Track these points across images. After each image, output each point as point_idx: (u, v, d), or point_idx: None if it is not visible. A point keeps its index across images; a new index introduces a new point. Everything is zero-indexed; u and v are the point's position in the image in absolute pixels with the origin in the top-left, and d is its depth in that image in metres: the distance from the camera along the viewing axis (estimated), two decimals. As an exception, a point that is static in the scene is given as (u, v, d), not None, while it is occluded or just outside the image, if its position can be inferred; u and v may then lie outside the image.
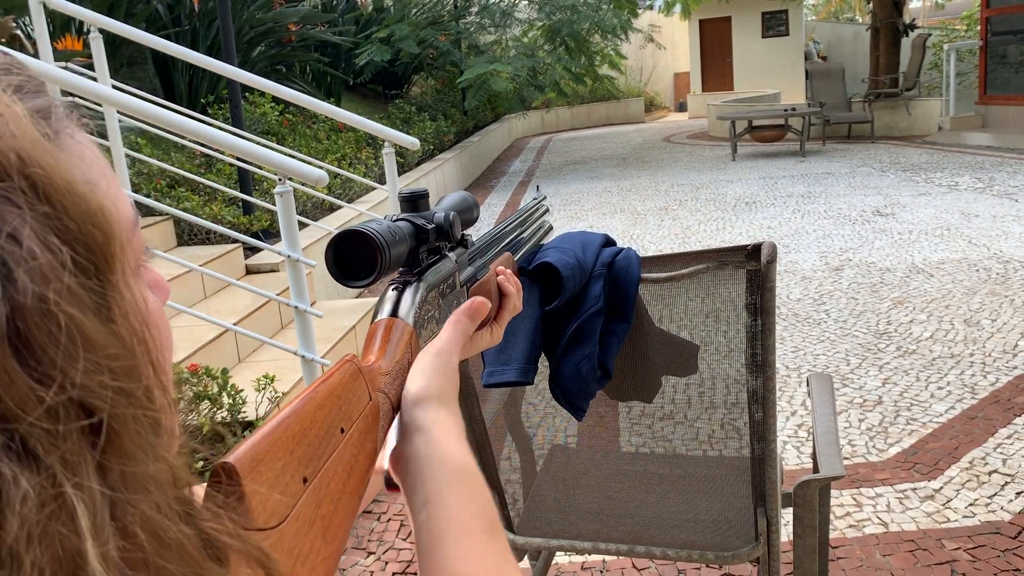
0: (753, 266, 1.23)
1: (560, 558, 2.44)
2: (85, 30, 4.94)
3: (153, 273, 0.43)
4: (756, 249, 1.22)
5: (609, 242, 1.31)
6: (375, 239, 0.61)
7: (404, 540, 2.59)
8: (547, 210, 1.25)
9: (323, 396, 0.50)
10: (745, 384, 1.40)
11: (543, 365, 1.34)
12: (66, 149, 0.34)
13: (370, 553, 2.53)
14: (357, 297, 5.41)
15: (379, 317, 0.65)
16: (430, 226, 0.70)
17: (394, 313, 0.65)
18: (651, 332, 1.47)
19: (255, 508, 0.41)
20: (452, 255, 0.76)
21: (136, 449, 0.31)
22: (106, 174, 0.36)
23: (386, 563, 2.48)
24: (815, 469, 1.65)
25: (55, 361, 0.28)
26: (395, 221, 0.68)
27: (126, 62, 6.98)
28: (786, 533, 2.30)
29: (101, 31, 4.13)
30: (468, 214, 0.82)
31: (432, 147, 10.22)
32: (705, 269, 1.26)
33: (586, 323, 1.20)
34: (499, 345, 1.21)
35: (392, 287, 0.68)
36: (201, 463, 2.33)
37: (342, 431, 0.51)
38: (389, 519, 2.73)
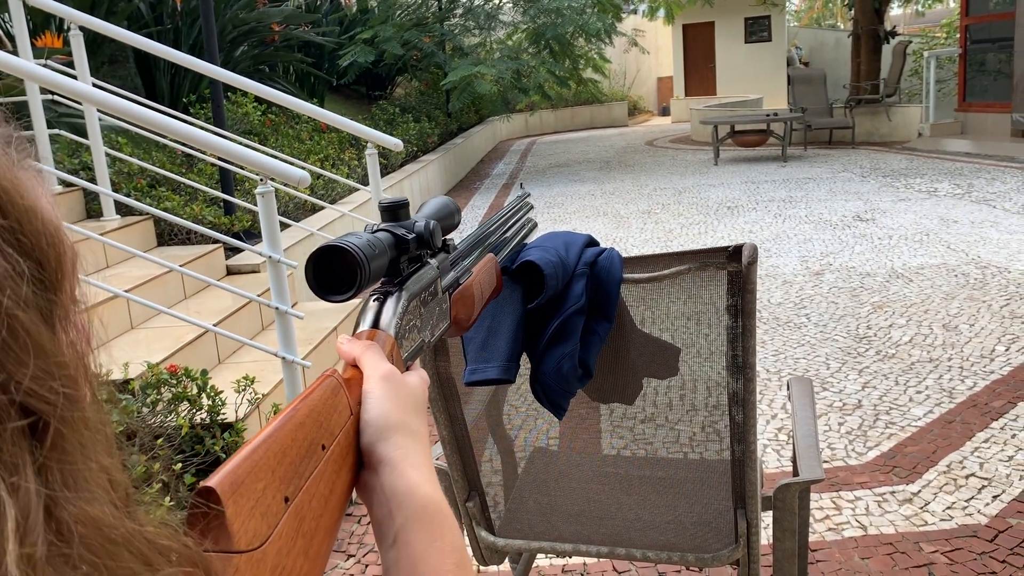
0: (734, 267, 1.24)
1: (541, 561, 2.43)
2: (66, 27, 4.89)
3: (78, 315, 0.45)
4: (737, 251, 1.23)
5: (592, 242, 1.31)
6: (355, 254, 0.61)
7: (384, 542, 2.58)
8: (531, 207, 1.26)
9: (304, 414, 0.50)
10: (726, 386, 1.41)
11: (525, 367, 1.33)
12: (26, 174, 0.35)
13: (350, 556, 2.52)
14: (339, 298, 5.39)
15: (360, 328, 0.65)
16: (410, 236, 0.69)
17: (375, 324, 0.65)
18: (633, 334, 1.47)
19: (236, 531, 0.41)
20: (434, 262, 0.75)
21: (78, 452, 0.32)
22: (53, 205, 0.37)
23: (366, 566, 2.46)
24: (795, 472, 1.66)
25: (2, 363, 0.30)
26: (375, 232, 0.68)
27: (107, 60, 6.93)
28: (766, 536, 2.31)
29: (82, 29, 4.09)
30: (449, 220, 0.81)
31: (416, 148, 10.20)
32: (687, 270, 1.26)
33: (568, 321, 1.20)
34: (481, 343, 1.21)
35: (373, 298, 0.67)
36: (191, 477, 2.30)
37: (323, 448, 0.51)
38: (369, 522, 2.71)
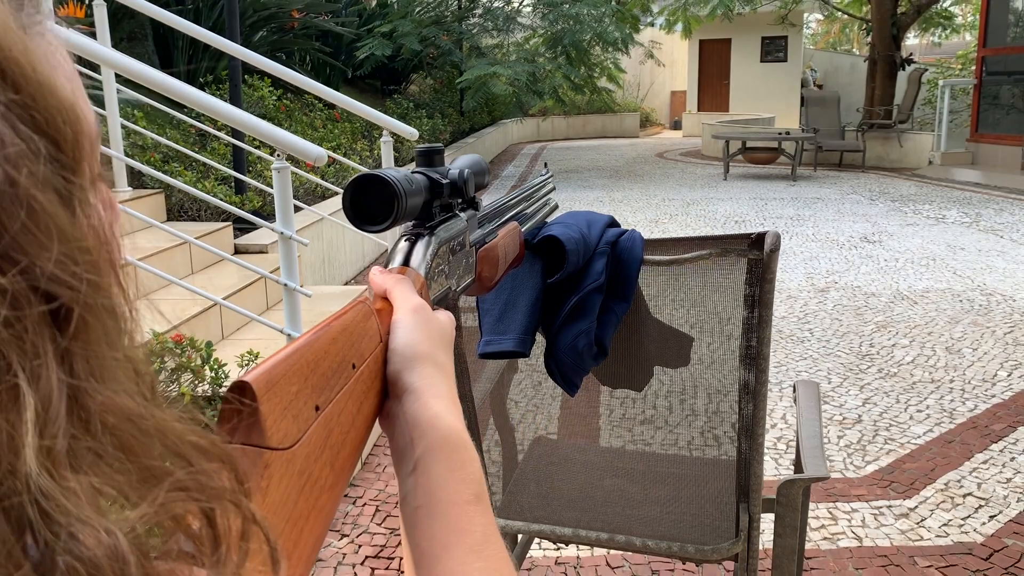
0: (755, 255, 1.24)
1: (534, 552, 2.43)
2: (88, -2, 4.90)
3: (106, 193, 0.43)
4: (760, 238, 1.23)
5: (614, 223, 1.31)
6: (394, 185, 0.61)
7: (379, 525, 2.58)
8: (553, 188, 1.26)
9: (337, 331, 0.51)
10: (737, 377, 1.40)
11: (535, 352, 1.33)
12: (38, 42, 0.33)
13: (344, 535, 2.52)
14: (345, 284, 5.39)
15: (391, 265, 0.65)
16: (444, 181, 0.70)
17: (406, 263, 0.65)
18: (647, 321, 1.47)
19: (269, 427, 0.41)
20: (463, 215, 0.76)
21: (103, 340, 0.30)
22: (73, 79, 0.35)
23: (359, 546, 2.46)
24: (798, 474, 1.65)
25: (23, 247, 0.28)
26: (411, 173, 0.68)
27: (126, 37, 6.94)
28: (761, 541, 2.31)
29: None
30: (481, 177, 0.82)
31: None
32: (708, 255, 1.26)
33: (586, 298, 1.20)
34: (498, 315, 1.21)
35: (404, 238, 0.68)
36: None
37: (353, 367, 0.51)
38: (364, 503, 2.71)
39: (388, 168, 0.65)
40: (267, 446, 0.41)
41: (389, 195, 0.62)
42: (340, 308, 0.54)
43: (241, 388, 0.41)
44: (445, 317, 0.64)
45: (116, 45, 6.09)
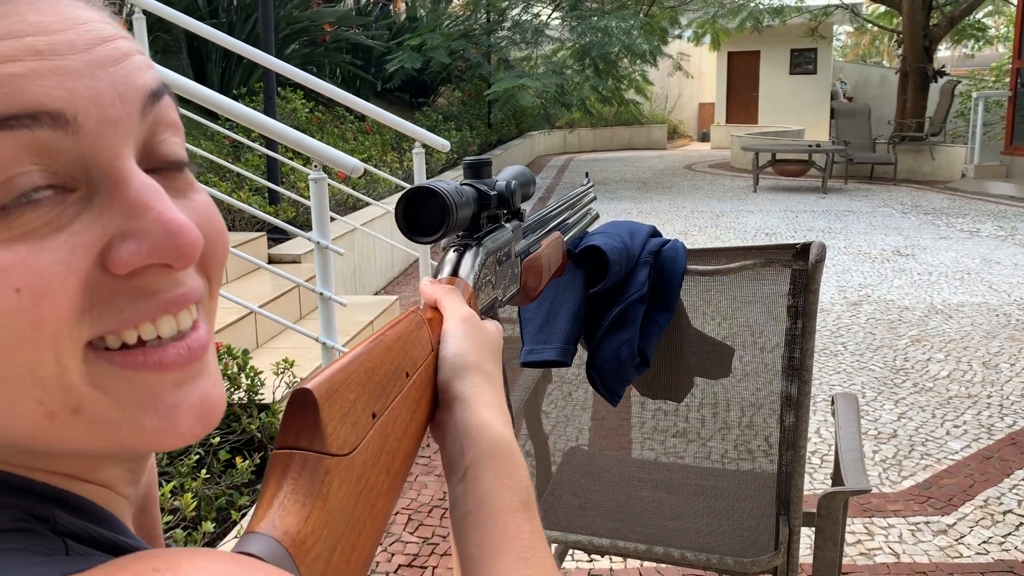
0: (800, 266, 1.23)
1: (567, 563, 2.42)
2: (128, 11, 4.99)
3: None
4: (805, 248, 1.22)
5: (656, 233, 1.31)
6: (445, 197, 0.62)
7: (411, 533, 2.58)
8: (594, 198, 1.26)
9: (392, 339, 0.52)
10: (779, 389, 1.40)
11: (578, 358, 1.33)
12: None
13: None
14: (375, 294, 5.42)
15: (441, 276, 0.66)
16: (492, 193, 0.71)
17: (455, 273, 0.66)
18: (688, 332, 1.47)
19: (330, 434, 0.42)
20: (509, 226, 0.77)
21: None
22: None
23: (392, 555, 2.47)
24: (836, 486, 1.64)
25: None
26: (460, 185, 0.69)
27: (161, 50, 7.05)
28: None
29: (145, 12, 4.18)
30: (527, 188, 0.83)
31: (456, 156, 10.28)
32: (751, 265, 1.26)
33: (629, 308, 1.20)
34: (540, 324, 1.21)
35: (453, 249, 0.69)
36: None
37: (407, 375, 0.52)
38: (397, 512, 2.72)
39: (439, 180, 0.66)
40: (328, 452, 0.42)
41: (441, 207, 0.63)
42: (392, 319, 0.55)
43: (303, 395, 0.42)
44: (493, 327, 0.65)
45: (152, 58, 6.18)
